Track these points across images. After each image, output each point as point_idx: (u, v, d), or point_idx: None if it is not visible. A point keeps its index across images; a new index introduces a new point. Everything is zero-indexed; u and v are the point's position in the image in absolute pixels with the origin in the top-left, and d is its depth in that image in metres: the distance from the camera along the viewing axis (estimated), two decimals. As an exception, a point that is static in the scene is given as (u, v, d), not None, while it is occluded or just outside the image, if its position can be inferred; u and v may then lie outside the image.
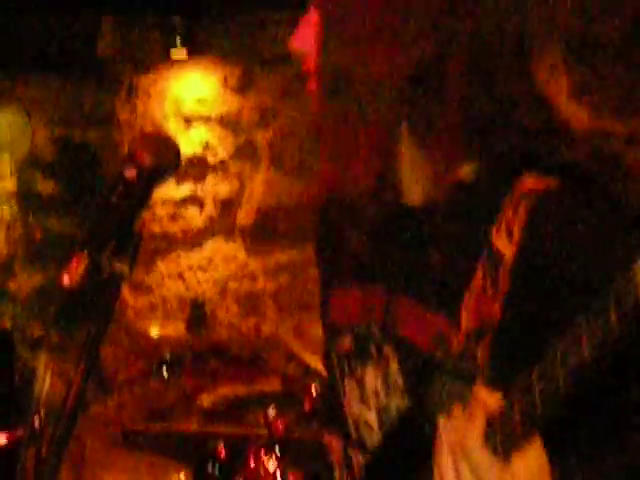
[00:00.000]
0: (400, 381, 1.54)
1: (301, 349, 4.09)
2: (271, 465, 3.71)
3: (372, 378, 1.61)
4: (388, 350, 1.55)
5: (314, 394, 3.84)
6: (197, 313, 5.10)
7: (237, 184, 5.23)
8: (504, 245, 1.44)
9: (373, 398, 1.60)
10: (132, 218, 1.53)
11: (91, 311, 1.51)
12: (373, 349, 1.57)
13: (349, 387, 1.65)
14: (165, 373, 4.23)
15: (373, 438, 1.58)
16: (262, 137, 5.16)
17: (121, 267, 1.49)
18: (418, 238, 1.56)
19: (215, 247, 5.28)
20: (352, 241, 1.64)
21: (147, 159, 1.54)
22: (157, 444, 4.62)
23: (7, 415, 4.36)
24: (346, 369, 1.65)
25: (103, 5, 5.06)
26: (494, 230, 1.44)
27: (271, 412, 3.85)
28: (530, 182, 1.46)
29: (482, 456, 1.34)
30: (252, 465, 3.72)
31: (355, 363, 1.63)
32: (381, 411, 1.58)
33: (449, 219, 1.53)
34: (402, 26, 1.43)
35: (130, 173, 1.52)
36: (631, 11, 4.50)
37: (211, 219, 5.27)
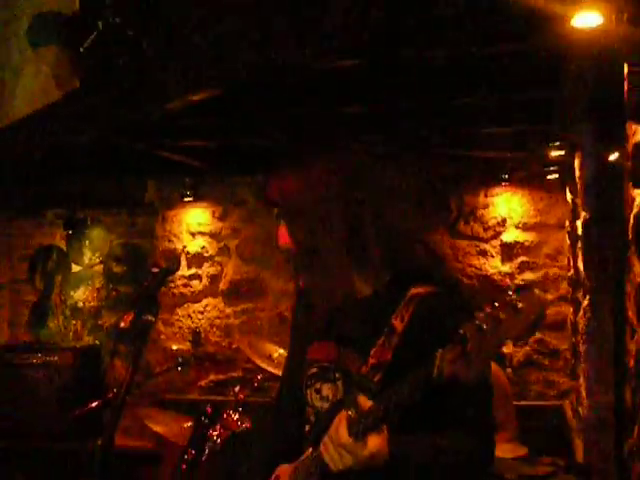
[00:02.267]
0: (341, 391, 1.77)
1: (252, 355, 4.41)
2: (236, 417, 4.14)
3: (327, 390, 1.81)
4: (338, 376, 1.75)
5: (259, 379, 4.42)
6: (197, 336, 5.82)
7: (219, 268, 6.01)
8: (398, 324, 1.65)
9: (326, 400, 1.82)
10: (156, 293, 1.80)
11: (136, 338, 1.74)
12: (332, 375, 1.76)
13: (310, 392, 1.84)
14: (180, 368, 4.73)
15: (323, 415, 1.78)
16: (233, 243, 5.98)
17: (150, 318, 1.76)
18: (368, 314, 1.76)
19: (207, 301, 6.05)
20: (323, 315, 1.84)
21: (163, 264, 1.83)
22: (177, 406, 5.02)
23: (99, 393, 4.26)
24: (309, 383, 1.84)
25: (148, 172, 5.62)
26: (394, 317, 1.66)
27: (237, 388, 4.33)
28: (417, 289, 1.68)
29: (346, 438, 1.58)
30: (225, 417, 4.11)
31: (316, 381, 1.82)
32: (329, 405, 1.79)
33: (379, 307, 1.73)
34: (327, 205, 1.66)
35: (154, 270, 1.81)
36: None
37: (205, 286, 6.06)
